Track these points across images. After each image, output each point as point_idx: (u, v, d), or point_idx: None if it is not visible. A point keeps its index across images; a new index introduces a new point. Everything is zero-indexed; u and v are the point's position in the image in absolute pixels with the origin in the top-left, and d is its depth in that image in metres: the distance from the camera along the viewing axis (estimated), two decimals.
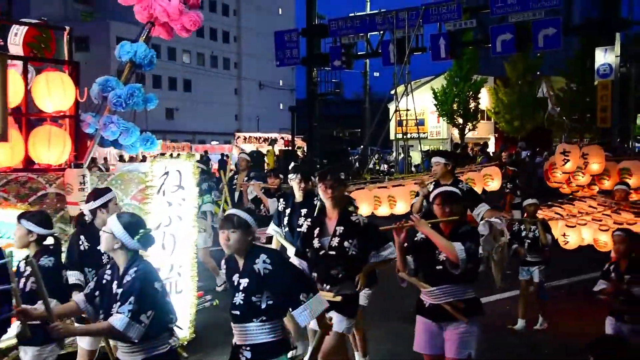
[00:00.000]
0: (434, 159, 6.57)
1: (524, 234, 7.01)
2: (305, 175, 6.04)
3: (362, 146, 30.72)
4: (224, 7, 61.93)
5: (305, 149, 33.90)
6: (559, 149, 10.40)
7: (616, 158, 11.08)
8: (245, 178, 9.24)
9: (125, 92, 6.37)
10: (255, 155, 31.56)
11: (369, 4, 35.48)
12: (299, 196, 5.96)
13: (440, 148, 40.17)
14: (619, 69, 23.42)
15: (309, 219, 4.87)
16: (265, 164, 29.93)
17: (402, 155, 27.04)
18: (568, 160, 10.04)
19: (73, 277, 4.59)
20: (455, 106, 36.31)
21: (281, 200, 6.48)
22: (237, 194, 9.42)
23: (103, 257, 4.62)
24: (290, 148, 32.53)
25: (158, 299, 3.52)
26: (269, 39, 36.09)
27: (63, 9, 51.89)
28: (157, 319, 3.48)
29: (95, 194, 4.85)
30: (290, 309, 3.74)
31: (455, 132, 38.04)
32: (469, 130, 37.21)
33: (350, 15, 28.00)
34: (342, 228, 4.51)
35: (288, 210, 6.01)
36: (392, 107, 27.04)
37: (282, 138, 40.23)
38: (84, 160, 6.37)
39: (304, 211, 5.70)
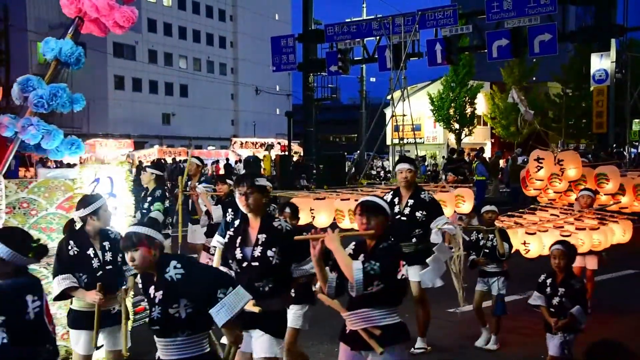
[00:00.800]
0: (399, 166, 6.14)
1: (481, 243, 6.49)
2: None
3: (358, 151, 30.73)
4: (220, 13, 62.02)
5: (301, 154, 33.90)
6: (533, 156, 10.21)
7: (593, 164, 11.04)
8: (197, 184, 8.61)
9: (47, 92, 5.94)
10: (252, 160, 31.56)
11: (365, 9, 35.55)
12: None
13: (437, 153, 40.31)
14: (614, 75, 23.53)
15: (232, 228, 4.36)
16: (262, 169, 29.92)
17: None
18: (542, 167, 9.86)
19: (67, 280, 4.56)
20: (451, 111, 36.38)
21: (229, 210, 5.82)
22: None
23: (93, 262, 4.60)
24: (286, 153, 32.52)
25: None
26: (265, 44, 36.13)
27: (59, 14, 51.74)
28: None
29: (85, 201, 4.75)
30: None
31: (452, 138, 38.09)
32: (466, 135, 37.27)
33: (347, 20, 28.07)
34: (264, 236, 4.12)
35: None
36: (388, 112, 27.06)
37: (279, 143, 40.20)
38: (1, 166, 5.68)
39: None
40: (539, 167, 9.99)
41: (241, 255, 4.13)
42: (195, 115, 56.81)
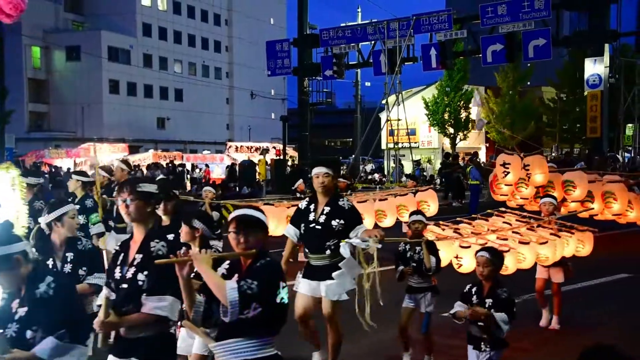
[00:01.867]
0: (315, 170, 5.44)
1: (408, 255, 5.87)
2: (166, 192, 4.84)
3: (353, 155, 30.77)
4: (215, 17, 62.04)
5: (296, 159, 33.93)
6: (499, 160, 9.91)
7: (560, 169, 10.76)
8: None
9: None
10: (247, 164, 31.57)
11: (360, 14, 35.63)
12: (165, 219, 4.92)
13: (432, 157, 40.40)
14: (608, 80, 23.64)
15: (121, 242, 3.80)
16: (257, 174, 29.93)
17: (393, 165, 27.09)
18: (508, 172, 9.58)
19: None
20: (446, 116, 36.46)
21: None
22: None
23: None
24: (281, 157, 32.54)
25: None
26: (260, 48, 36.22)
27: (54, 18, 51.81)
28: None
29: (50, 206, 4.59)
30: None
31: (447, 142, 38.18)
32: (460, 139, 37.36)
33: (342, 25, 28.12)
34: (140, 256, 3.52)
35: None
36: (383, 116, 27.11)
37: (274, 147, 40.22)
38: None
39: (170, 237, 4.38)
40: (505, 172, 9.74)
41: (120, 274, 3.54)
42: (191, 120, 56.77)
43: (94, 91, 50.09)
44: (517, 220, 7.62)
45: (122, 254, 3.62)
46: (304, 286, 5.43)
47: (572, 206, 10.13)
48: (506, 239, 6.78)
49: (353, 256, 5.32)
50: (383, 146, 31.46)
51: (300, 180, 13.26)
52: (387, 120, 23.85)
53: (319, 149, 39.97)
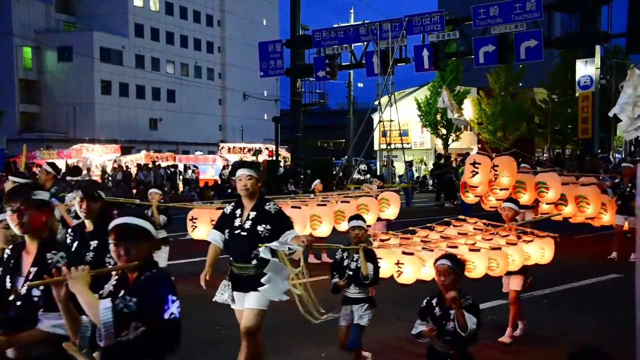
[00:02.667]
0: (238, 172, 5.15)
1: (345, 263, 5.43)
2: (90, 192, 4.26)
3: (345, 156, 30.78)
4: (208, 18, 61.96)
5: (289, 159, 33.93)
6: (469, 160, 9.37)
7: (533, 170, 10.50)
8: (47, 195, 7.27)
9: None
10: (239, 165, 31.47)
11: (352, 15, 35.66)
12: (88, 224, 4.27)
13: (424, 158, 40.48)
14: (599, 81, 23.76)
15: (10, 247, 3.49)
16: None
17: (386, 165, 27.13)
18: (477, 173, 8.97)
19: None
20: (438, 117, 36.54)
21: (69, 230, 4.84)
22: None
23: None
24: (274, 158, 32.53)
25: None
26: (253, 49, 36.14)
27: (46, 19, 51.61)
28: None
29: None
30: None
31: (439, 143, 38.26)
32: (453, 140, 37.44)
33: (334, 26, 28.12)
34: (35, 269, 3.21)
35: (76, 244, 4.26)
36: (376, 117, 27.14)
37: (267, 148, 40.19)
38: None
39: (94, 244, 4.08)
40: (474, 172, 9.10)
41: (10, 285, 3.22)
42: (183, 121, 56.68)
43: (86, 92, 49.92)
44: (474, 228, 6.97)
45: (13, 262, 3.31)
46: (238, 302, 5.07)
47: (544, 208, 9.92)
48: (456, 247, 6.25)
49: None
50: (376, 147, 31.51)
51: (318, 181, 12.64)
52: (380, 121, 23.89)
53: (312, 149, 39.92)
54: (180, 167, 33.56)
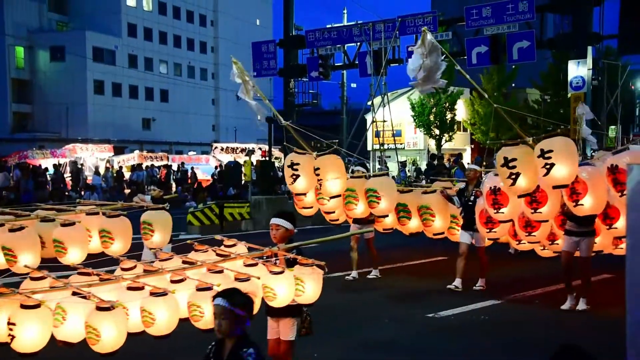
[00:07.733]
0: None
1: None
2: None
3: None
4: (201, 18, 61.86)
5: (282, 160, 33.88)
6: (287, 161, 8.01)
7: (367, 174, 9.26)
8: None
9: None
10: (233, 165, 31.49)
11: (345, 15, 35.70)
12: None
13: (417, 159, 40.54)
14: (591, 82, 23.86)
15: None
16: (243, 175, 29.88)
17: (379, 166, 27.14)
18: (298, 176, 7.90)
19: None
20: (431, 117, 36.63)
21: None
22: None
23: None
24: (267, 159, 32.49)
25: None
26: (246, 49, 36.04)
27: (38, 18, 51.38)
28: None
29: None
30: None
31: (432, 143, 38.34)
32: (446, 141, 37.53)
33: (327, 26, 28.16)
34: None
35: None
36: (369, 118, 27.17)
37: (260, 148, 40.16)
38: None
39: None
40: (295, 177, 7.57)
41: None
42: (176, 121, 56.57)
43: (78, 92, 49.70)
44: (217, 254, 4.72)
45: None
46: None
47: (387, 222, 8.13)
48: (222, 272, 4.35)
49: None
50: (369, 147, 31.54)
51: None
52: (373, 122, 23.89)
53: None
54: (174, 167, 33.50)
